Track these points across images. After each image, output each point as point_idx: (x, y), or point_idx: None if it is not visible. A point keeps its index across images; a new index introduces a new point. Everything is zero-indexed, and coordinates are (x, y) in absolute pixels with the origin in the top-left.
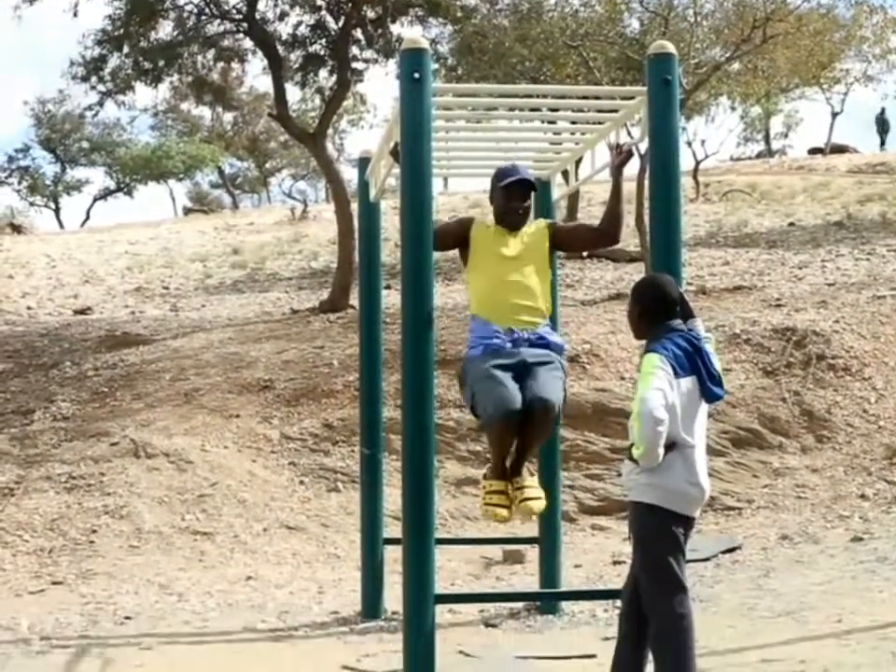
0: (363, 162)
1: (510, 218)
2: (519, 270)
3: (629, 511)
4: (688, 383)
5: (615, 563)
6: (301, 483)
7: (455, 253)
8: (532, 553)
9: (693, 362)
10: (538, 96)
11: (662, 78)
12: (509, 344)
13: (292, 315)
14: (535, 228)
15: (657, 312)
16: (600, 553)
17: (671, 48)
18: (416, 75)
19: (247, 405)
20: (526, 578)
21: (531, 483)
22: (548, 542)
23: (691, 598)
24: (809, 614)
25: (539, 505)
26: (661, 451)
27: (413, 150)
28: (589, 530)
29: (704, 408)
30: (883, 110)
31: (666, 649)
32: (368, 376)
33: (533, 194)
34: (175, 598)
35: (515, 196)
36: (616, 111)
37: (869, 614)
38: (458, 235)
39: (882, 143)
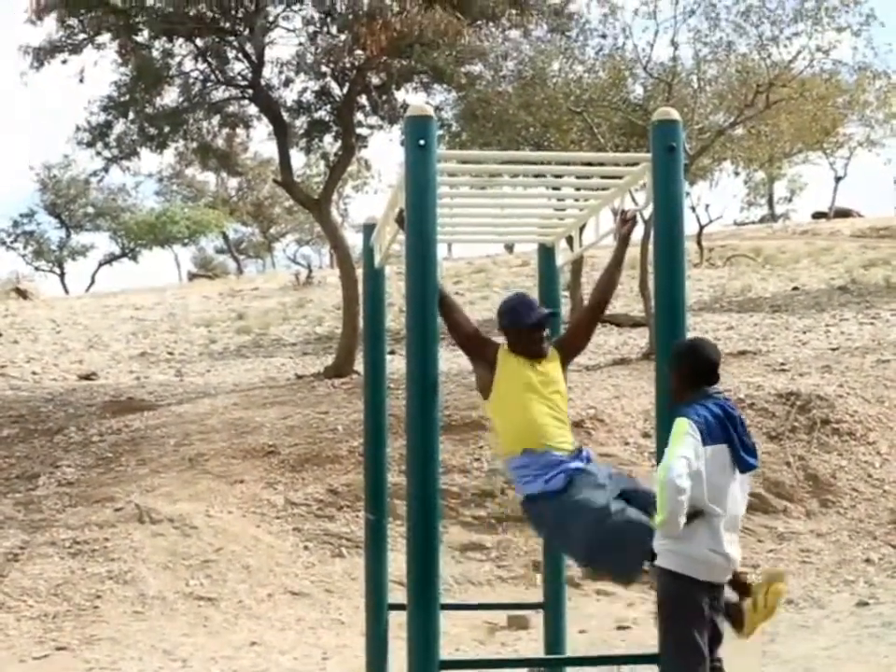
0: (368, 229)
1: (536, 349)
2: (553, 399)
3: (650, 575)
4: (717, 451)
5: (619, 628)
6: (306, 548)
7: None
8: (536, 618)
9: (724, 430)
10: (542, 162)
11: (666, 145)
12: (590, 464)
13: (297, 380)
14: (550, 353)
15: (699, 377)
16: (604, 619)
17: (675, 114)
18: (422, 142)
19: (252, 470)
20: (531, 643)
21: None
22: (552, 608)
23: None
24: None
25: None
26: (682, 520)
27: (417, 217)
28: (594, 595)
29: (738, 477)
30: None
31: None
32: (372, 441)
33: (537, 261)
34: (180, 664)
35: (541, 328)
36: (620, 177)
37: None
38: (488, 355)
39: None
